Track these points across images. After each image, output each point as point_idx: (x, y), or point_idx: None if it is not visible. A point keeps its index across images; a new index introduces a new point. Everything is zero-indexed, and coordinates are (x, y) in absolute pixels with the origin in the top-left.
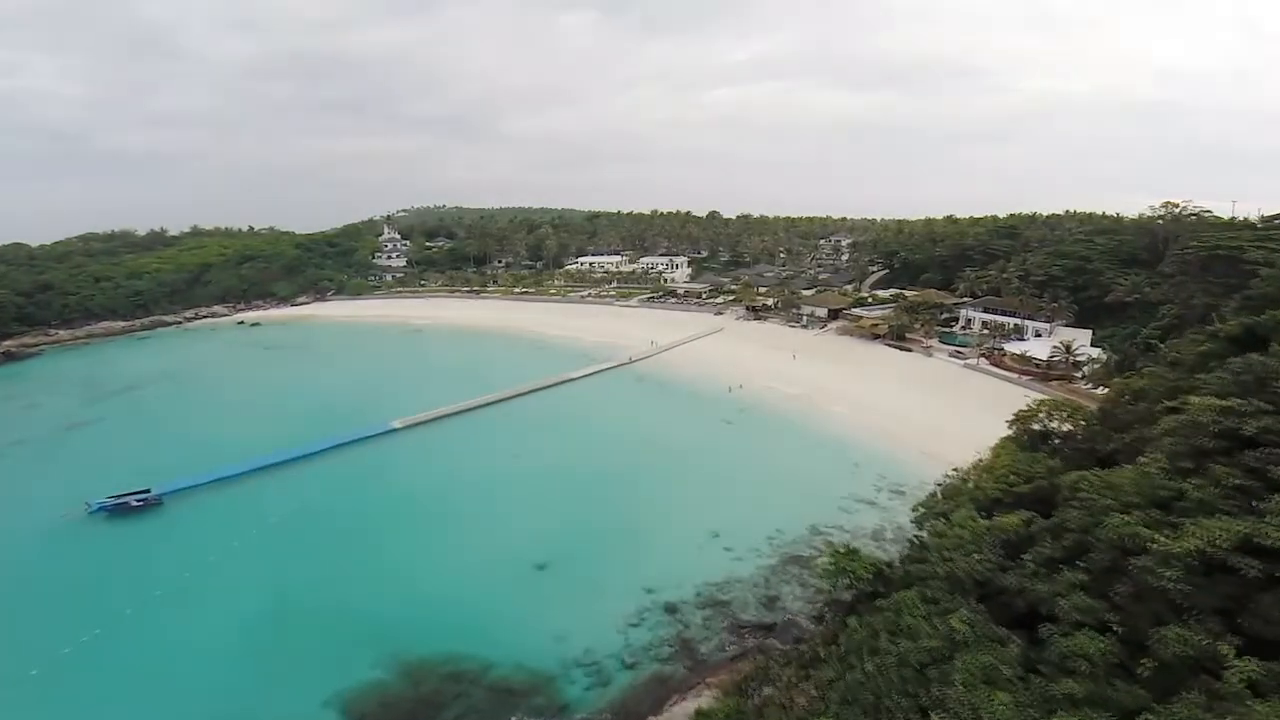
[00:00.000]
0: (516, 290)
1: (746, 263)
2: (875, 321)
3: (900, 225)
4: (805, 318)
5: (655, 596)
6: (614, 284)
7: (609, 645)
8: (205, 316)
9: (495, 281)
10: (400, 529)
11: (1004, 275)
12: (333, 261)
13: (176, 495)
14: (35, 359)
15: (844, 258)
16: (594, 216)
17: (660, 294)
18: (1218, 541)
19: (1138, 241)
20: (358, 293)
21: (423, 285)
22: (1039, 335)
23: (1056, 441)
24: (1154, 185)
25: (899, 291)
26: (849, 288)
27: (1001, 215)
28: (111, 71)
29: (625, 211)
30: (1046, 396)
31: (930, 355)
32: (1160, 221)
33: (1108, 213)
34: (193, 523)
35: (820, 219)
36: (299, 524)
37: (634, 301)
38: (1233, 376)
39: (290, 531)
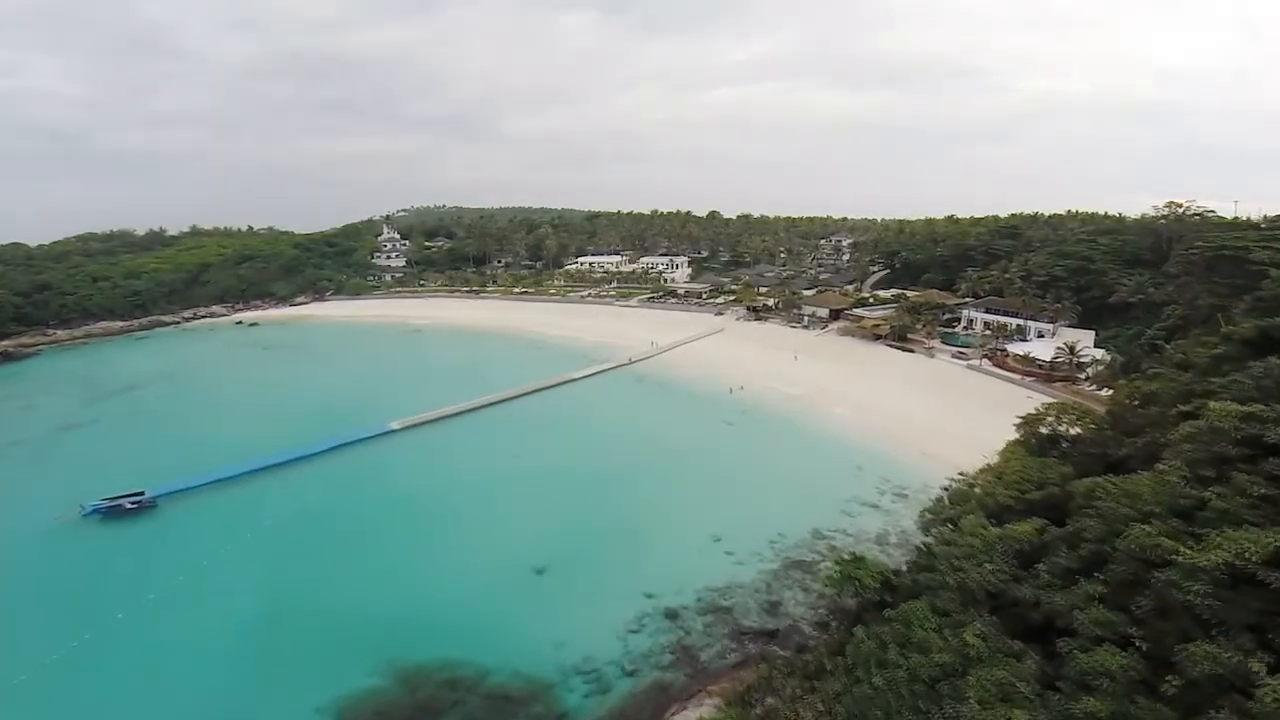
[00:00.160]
0: (516, 290)
1: (747, 263)
2: (877, 322)
3: (901, 225)
4: (806, 318)
5: (655, 602)
6: (614, 284)
7: (608, 652)
8: (204, 316)
9: (495, 281)
10: (398, 532)
11: (1006, 275)
12: (332, 261)
13: (171, 497)
14: (33, 359)
15: (845, 258)
16: (594, 216)
17: (660, 294)
18: (1247, 554)
19: (1141, 241)
20: (357, 293)
21: (422, 285)
22: (1042, 336)
23: (1065, 445)
24: (1154, 185)
25: (900, 292)
26: (850, 288)
27: (1002, 215)
28: (111, 71)
29: (625, 211)
30: (1051, 398)
31: (932, 356)
32: (1163, 221)
33: (1109, 213)
34: (187, 525)
35: (821, 219)
36: (295, 527)
37: (634, 302)
38: (1253, 381)
39: (286, 534)
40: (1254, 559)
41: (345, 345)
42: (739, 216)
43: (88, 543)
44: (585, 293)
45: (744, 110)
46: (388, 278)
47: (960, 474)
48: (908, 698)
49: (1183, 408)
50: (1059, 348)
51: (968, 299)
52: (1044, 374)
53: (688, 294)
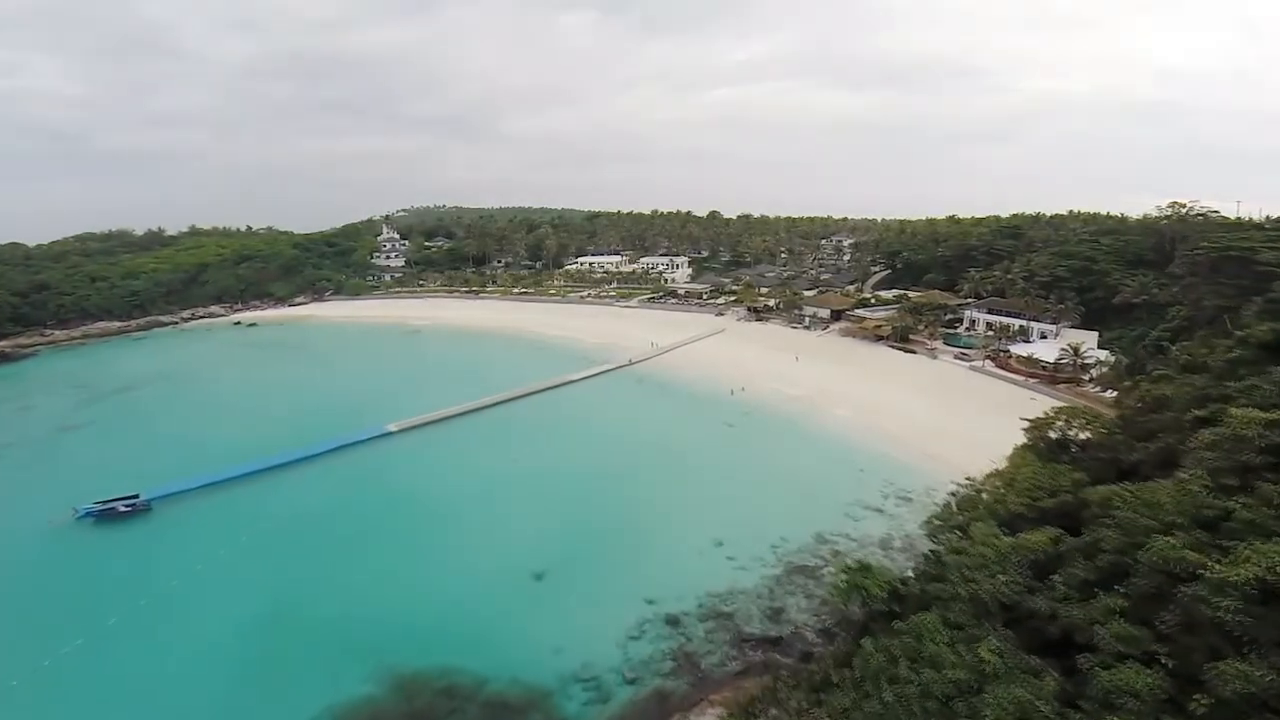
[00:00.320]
0: (516, 290)
1: (747, 263)
2: (879, 323)
3: (902, 225)
4: (807, 319)
5: (656, 608)
6: (614, 284)
7: (608, 659)
8: (202, 317)
9: (494, 282)
10: (394, 536)
11: (1009, 276)
12: (331, 261)
13: (166, 500)
14: (30, 360)
15: (845, 258)
16: (594, 216)
17: (661, 294)
18: (1278, 569)
19: (1144, 242)
20: (356, 293)
21: (421, 285)
22: (1045, 337)
23: (1075, 450)
24: (1154, 185)
25: (902, 292)
26: (851, 288)
27: (1004, 215)
28: (111, 71)
29: (625, 211)
30: (1055, 400)
31: (935, 357)
32: (1166, 222)
33: (1111, 213)
34: (181, 529)
35: (821, 219)
36: (290, 530)
37: (634, 302)
38: (1274, 387)
39: (281, 538)
40: None
41: (343, 346)
42: (739, 216)
43: (80, 546)
44: (585, 293)
45: (744, 110)
46: (387, 278)
47: (967, 479)
48: (920, 715)
49: (1198, 413)
50: (1063, 349)
51: (970, 300)
52: (1047, 375)
53: (688, 294)
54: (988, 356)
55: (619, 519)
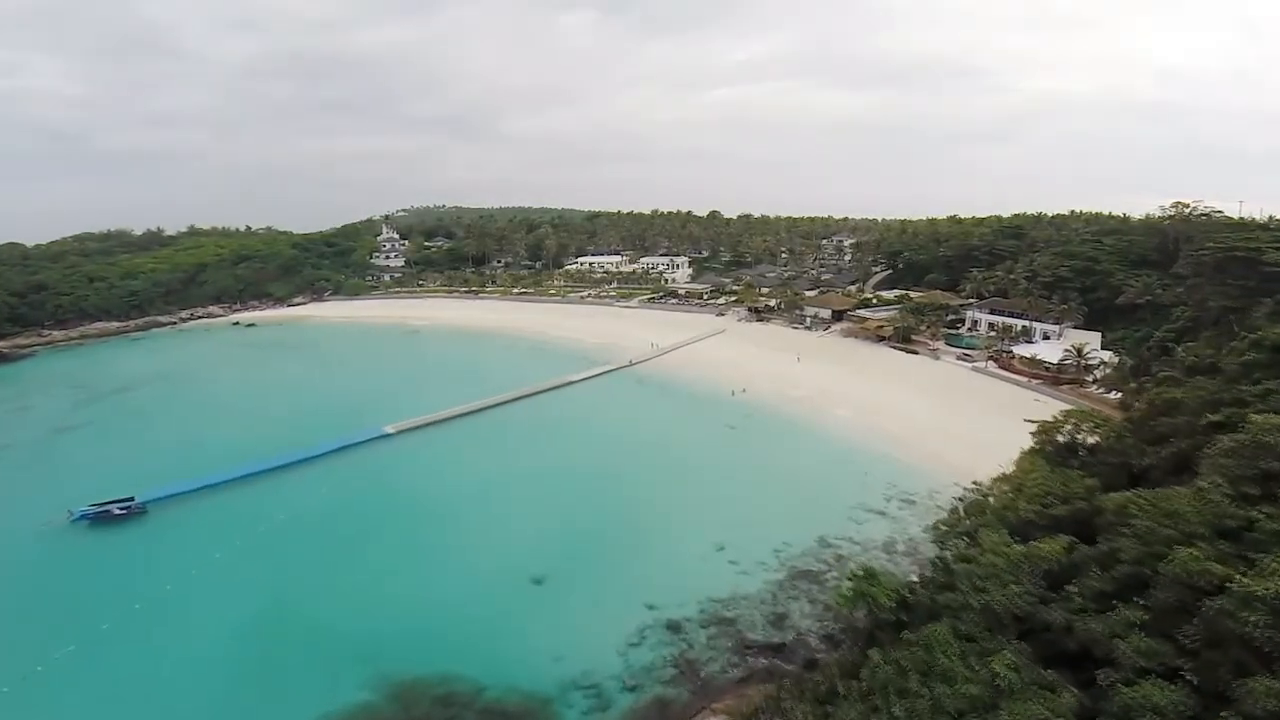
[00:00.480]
0: (515, 291)
1: (748, 263)
2: (881, 323)
3: (903, 225)
4: (809, 319)
5: (657, 613)
6: (614, 284)
7: (609, 666)
8: (200, 317)
9: (494, 282)
10: (392, 539)
11: (1011, 276)
12: (330, 261)
13: (161, 503)
14: (28, 360)
15: (846, 258)
16: (594, 216)
17: (661, 294)
18: None
19: (1147, 242)
20: (355, 293)
21: (421, 286)
22: (1048, 338)
23: (1084, 455)
24: (1155, 185)
25: (904, 293)
26: (852, 288)
27: (1005, 215)
28: (111, 71)
29: (625, 211)
30: (1059, 401)
31: (937, 358)
32: (1169, 222)
33: (1113, 213)
34: (176, 532)
35: (822, 219)
36: (286, 534)
37: (634, 302)
38: None
39: (277, 542)
40: None
41: (342, 346)
42: (740, 216)
43: (74, 550)
44: (585, 293)
45: (744, 110)
46: (386, 278)
47: (974, 483)
48: None
49: (1213, 417)
50: (1066, 350)
51: (972, 300)
52: (1051, 376)
53: (688, 294)
54: (990, 357)
55: (619, 522)
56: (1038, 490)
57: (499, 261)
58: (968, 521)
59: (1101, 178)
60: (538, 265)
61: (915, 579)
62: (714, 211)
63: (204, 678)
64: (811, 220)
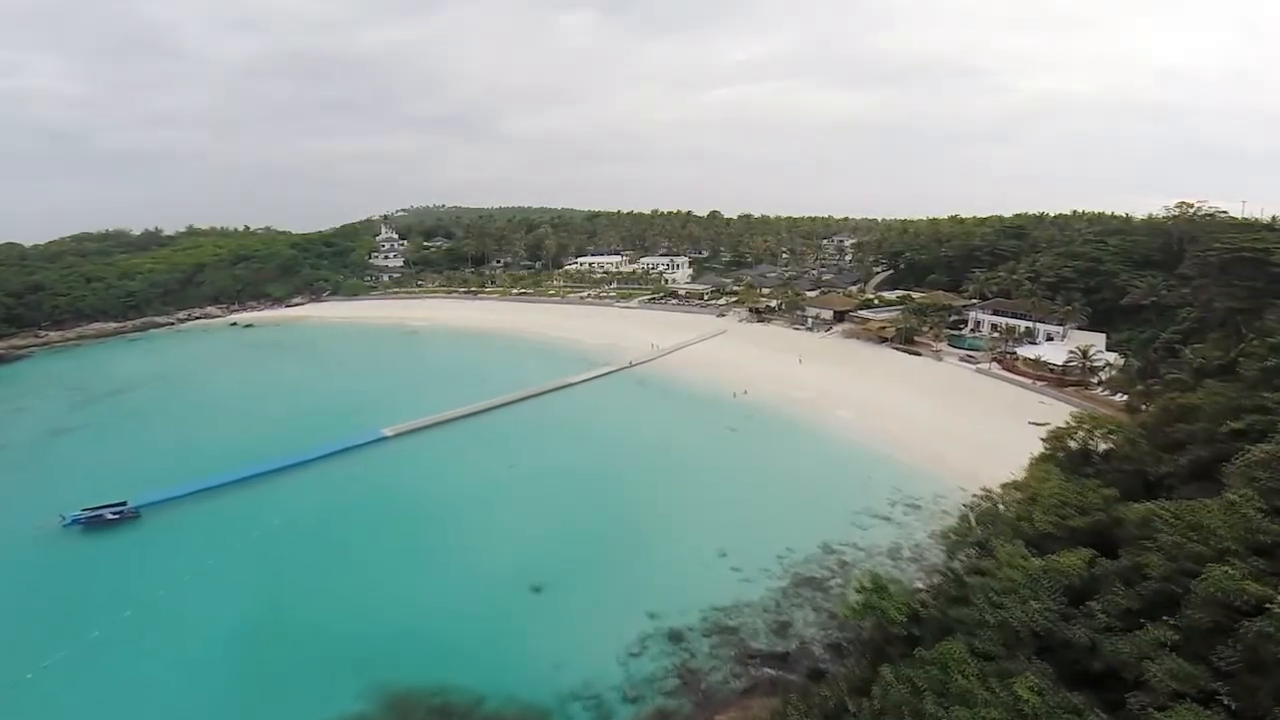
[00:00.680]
0: (515, 291)
1: (748, 263)
2: (883, 324)
3: (904, 225)
4: (810, 320)
5: (658, 622)
6: (614, 285)
7: (609, 676)
8: (198, 318)
9: (493, 282)
10: (388, 546)
11: (1014, 277)
12: (329, 262)
13: (155, 508)
14: (24, 361)
15: (847, 258)
16: (594, 216)
17: (661, 295)
18: None
19: (1151, 242)
20: (354, 293)
21: (420, 286)
22: (1051, 339)
23: (1098, 462)
24: (1155, 185)
25: (905, 293)
26: (854, 289)
27: (1006, 215)
28: (112, 71)
29: (625, 211)
30: (1064, 403)
31: (940, 359)
32: (1172, 222)
33: (1115, 213)
34: (170, 537)
35: (823, 219)
36: (281, 539)
37: (634, 303)
38: None
39: (272, 548)
40: None
41: (340, 348)
42: (740, 216)
43: (66, 555)
44: (585, 293)
45: (744, 110)
46: (385, 278)
47: (982, 489)
48: None
49: (1234, 425)
50: (1071, 351)
51: (975, 300)
52: (1056, 378)
53: (689, 295)
54: (994, 358)
55: (620, 527)
56: (1054, 500)
57: (498, 262)
58: (979, 531)
59: (1102, 178)
60: (537, 265)
61: (922, 586)
62: (714, 211)
63: (196, 687)
64: (812, 220)
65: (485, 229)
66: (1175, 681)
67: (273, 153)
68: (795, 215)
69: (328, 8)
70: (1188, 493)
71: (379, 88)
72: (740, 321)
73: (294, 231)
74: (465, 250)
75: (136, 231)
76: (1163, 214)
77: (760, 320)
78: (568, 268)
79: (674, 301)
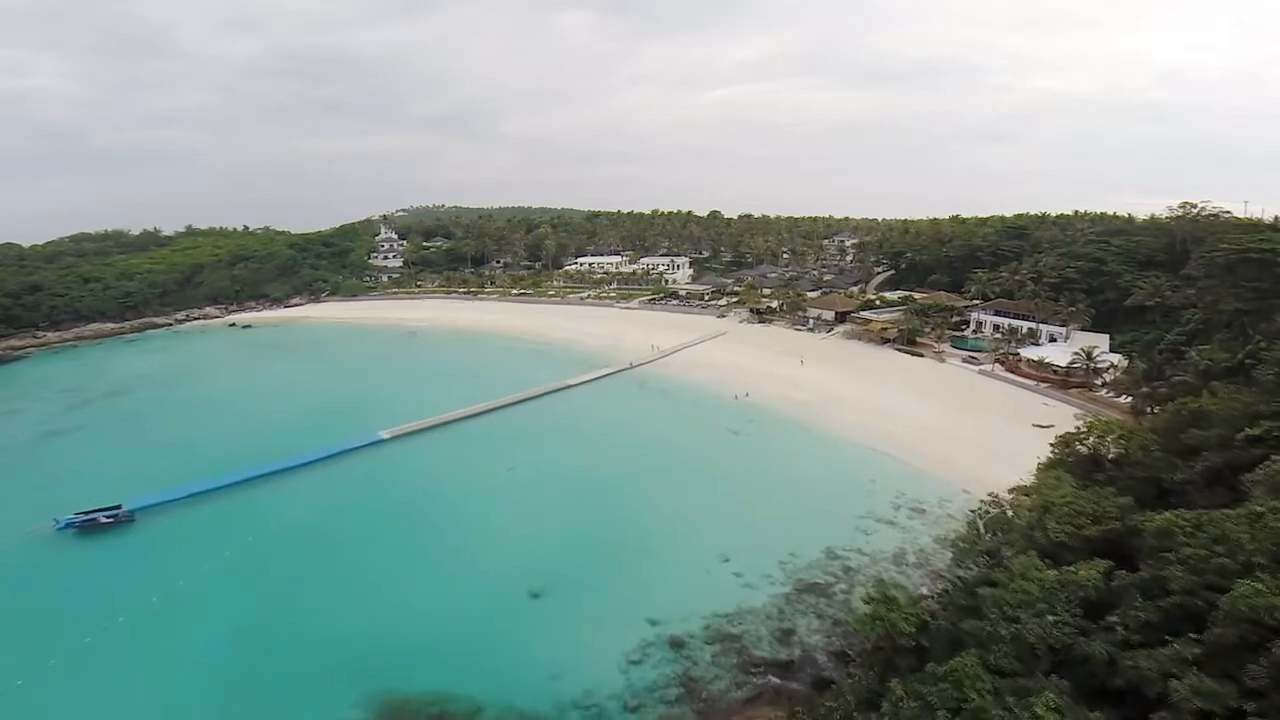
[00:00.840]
0: (514, 292)
1: (749, 263)
2: (885, 325)
3: (906, 225)
4: (811, 321)
5: (659, 629)
6: (614, 285)
7: (609, 685)
8: (196, 318)
9: (493, 282)
10: (386, 550)
11: (1017, 277)
12: (328, 262)
13: (149, 511)
14: (21, 362)
15: (848, 258)
16: (593, 216)
17: (661, 295)
18: None
19: (1155, 243)
20: (352, 294)
21: (419, 286)
22: (1054, 340)
23: (1110, 468)
24: (1155, 185)
25: (907, 294)
26: (855, 289)
27: (1008, 215)
28: (111, 71)
29: (625, 211)
30: (1068, 405)
31: (943, 361)
32: (1175, 222)
33: (1117, 213)
34: (164, 542)
35: (824, 219)
36: (277, 544)
37: (635, 303)
38: None
39: (267, 553)
40: None
41: (338, 349)
42: (740, 216)
43: (59, 559)
44: (585, 294)
45: (744, 110)
46: (384, 278)
47: (990, 494)
48: None
49: (1251, 431)
50: (1075, 353)
51: (977, 301)
52: (1059, 380)
53: (689, 295)
54: (997, 360)
55: (620, 532)
56: (1068, 509)
57: (498, 262)
58: (988, 538)
59: (1102, 178)
60: (537, 266)
61: (928, 593)
62: (714, 211)
63: (189, 695)
64: (813, 220)
65: (485, 229)
66: (1201, 699)
67: (272, 153)
68: (796, 215)
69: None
70: (1206, 501)
71: (379, 88)
72: (741, 322)
73: (293, 231)
74: (465, 250)
75: (135, 232)
76: (1166, 214)
77: (761, 321)
78: (567, 268)
79: (674, 302)
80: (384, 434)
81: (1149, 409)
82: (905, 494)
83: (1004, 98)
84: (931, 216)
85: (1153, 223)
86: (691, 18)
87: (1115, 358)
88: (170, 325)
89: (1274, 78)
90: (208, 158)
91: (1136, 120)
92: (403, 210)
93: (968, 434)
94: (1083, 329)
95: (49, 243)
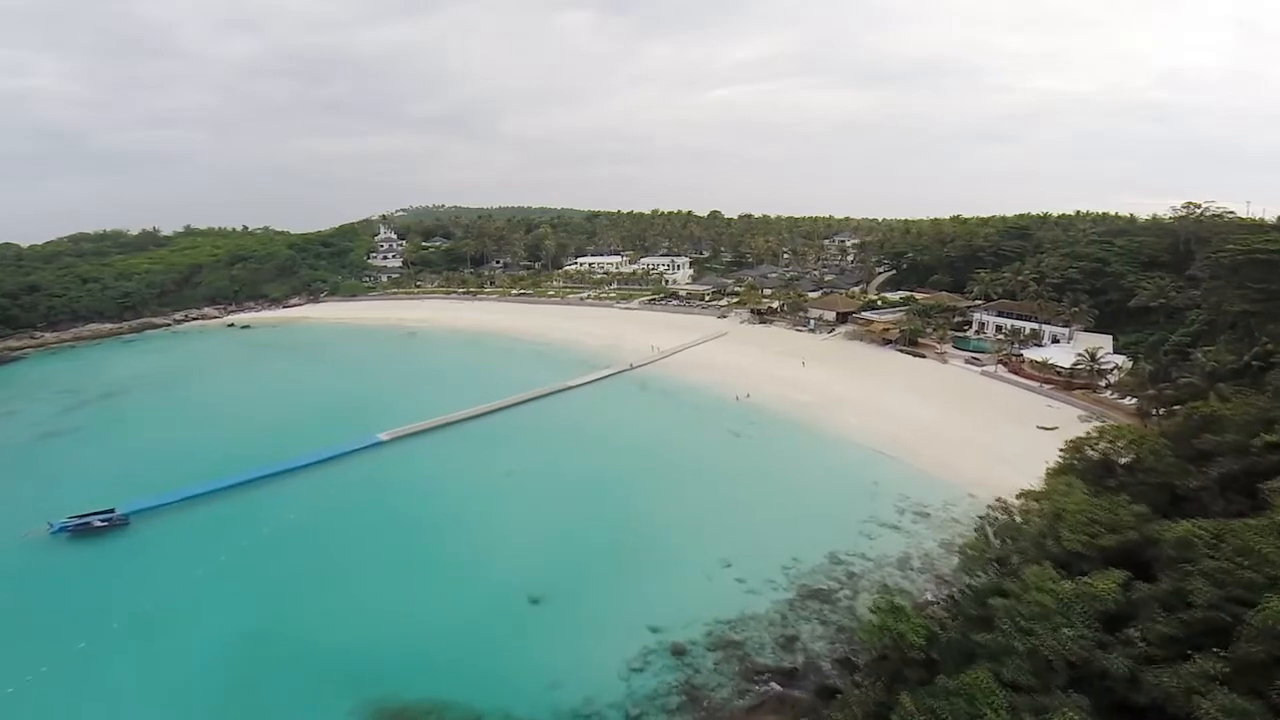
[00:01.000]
0: (514, 292)
1: (750, 263)
2: (886, 326)
3: (907, 225)
4: (812, 321)
5: (661, 636)
6: (614, 285)
7: (610, 693)
8: (195, 319)
9: (492, 283)
10: (383, 555)
11: (1019, 278)
12: (327, 262)
13: (144, 515)
14: (19, 363)
15: (849, 259)
16: (593, 216)
17: (662, 296)
18: None
19: (1158, 243)
20: (352, 294)
21: (418, 287)
22: (1057, 341)
23: (1122, 474)
24: (1155, 185)
25: (909, 294)
26: (856, 290)
27: (1009, 215)
28: (111, 71)
29: (625, 211)
30: (1072, 406)
31: (945, 362)
32: (1179, 222)
33: (1119, 213)
34: (159, 546)
35: (824, 219)
36: (273, 549)
37: (635, 304)
38: None
39: (262, 558)
40: None
41: (337, 349)
42: (741, 216)
43: (52, 564)
44: (585, 294)
45: (745, 110)
46: (384, 279)
47: (998, 499)
48: None
49: (1268, 438)
50: (1079, 354)
51: (979, 302)
52: (1063, 381)
53: (690, 296)
54: (1000, 361)
55: (621, 536)
56: (1081, 517)
57: (497, 262)
58: (997, 545)
59: (1103, 178)
60: (537, 266)
61: (933, 598)
62: (715, 211)
63: (183, 702)
64: (814, 220)
65: (484, 229)
66: (1228, 718)
67: (272, 153)
68: (796, 215)
69: (328, 8)
70: (1219, 508)
71: (379, 88)
72: (742, 323)
73: (292, 231)
74: (464, 250)
75: (134, 231)
76: (1168, 214)
77: (762, 321)
78: (567, 268)
79: (675, 302)
80: (382, 436)
81: (1155, 411)
82: (909, 497)
83: (1004, 98)
84: (932, 216)
85: (1155, 223)
86: (691, 18)
87: (1119, 359)
88: (169, 326)
89: (1274, 78)
90: (207, 158)
91: (1136, 120)
92: (402, 210)
93: (971, 436)
94: (1086, 330)
95: (47, 243)
